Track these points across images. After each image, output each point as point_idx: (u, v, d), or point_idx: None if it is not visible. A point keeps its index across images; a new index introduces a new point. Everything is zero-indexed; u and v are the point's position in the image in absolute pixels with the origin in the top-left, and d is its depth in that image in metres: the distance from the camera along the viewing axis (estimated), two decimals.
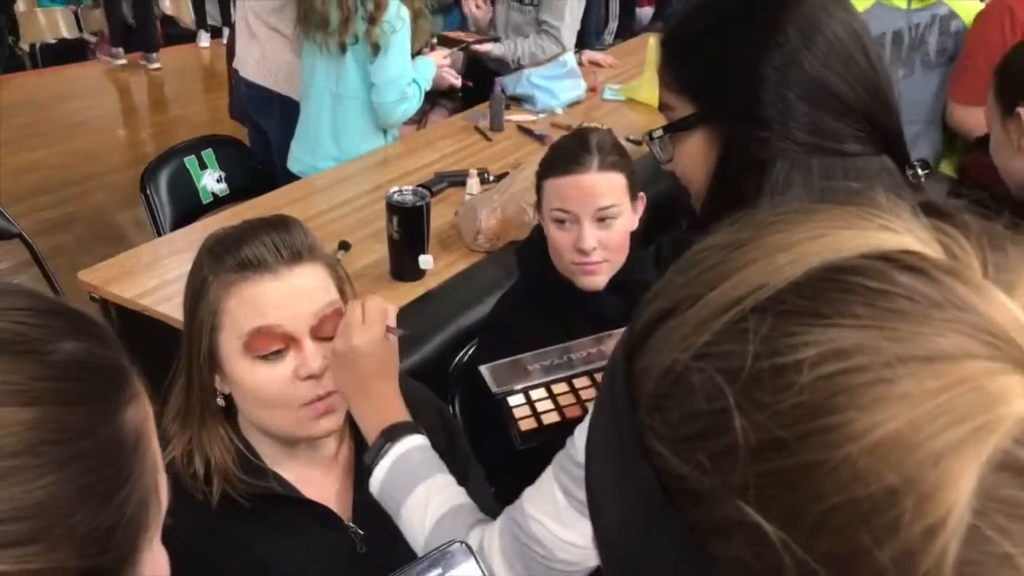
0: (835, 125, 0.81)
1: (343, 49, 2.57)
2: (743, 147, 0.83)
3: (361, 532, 1.11)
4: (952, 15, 2.62)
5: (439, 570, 0.63)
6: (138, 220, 4.55)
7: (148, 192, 2.58)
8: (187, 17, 7.84)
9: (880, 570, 0.28)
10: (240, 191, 2.74)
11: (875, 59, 0.83)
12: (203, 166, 2.72)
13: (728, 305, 0.33)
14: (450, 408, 1.68)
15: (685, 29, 0.91)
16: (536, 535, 0.89)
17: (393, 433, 1.00)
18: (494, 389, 1.37)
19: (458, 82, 3.10)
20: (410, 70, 2.67)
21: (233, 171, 2.78)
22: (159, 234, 2.49)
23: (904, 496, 0.28)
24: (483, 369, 1.40)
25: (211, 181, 2.72)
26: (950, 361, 0.29)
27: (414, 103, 2.74)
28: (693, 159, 0.88)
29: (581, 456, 0.44)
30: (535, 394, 1.38)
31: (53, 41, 7.08)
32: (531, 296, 1.63)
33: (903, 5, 2.63)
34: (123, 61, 6.72)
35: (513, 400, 1.38)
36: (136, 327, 1.94)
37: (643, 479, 0.34)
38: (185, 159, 2.69)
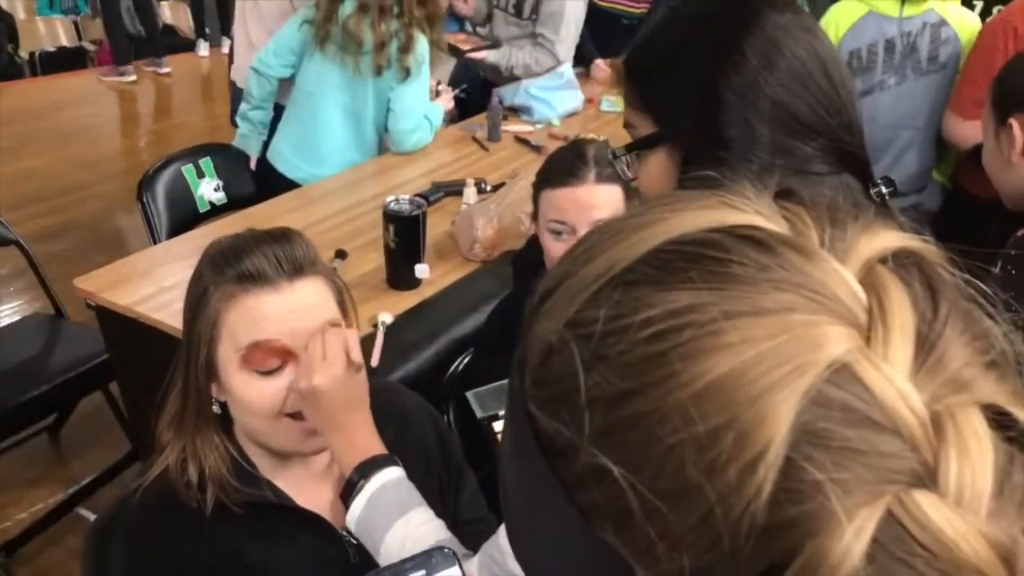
0: (796, 146, 0.80)
1: (379, 72, 2.63)
2: (701, 167, 0.82)
3: (354, 542, 1.10)
4: (943, 22, 2.64)
5: (423, 571, 0.64)
6: (134, 228, 4.54)
7: (145, 200, 2.57)
8: (186, 27, 7.87)
9: (710, 503, 0.30)
10: (238, 200, 2.74)
11: (837, 79, 0.82)
12: (200, 175, 2.71)
13: (591, 280, 0.37)
14: (445, 417, 1.68)
15: (646, 49, 0.90)
16: (514, 572, 0.88)
17: (365, 469, 0.99)
18: (479, 415, 1.37)
19: (450, 104, 3.17)
20: (426, 101, 2.78)
21: (232, 179, 2.78)
22: (155, 242, 2.49)
23: (726, 434, 0.30)
24: (470, 395, 1.39)
25: (208, 190, 2.72)
26: (773, 315, 0.32)
27: (427, 135, 2.84)
28: (656, 177, 0.87)
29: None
30: None
31: (52, 49, 7.10)
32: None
33: (895, 13, 2.65)
34: (133, 78, 6.69)
35: (499, 426, 1.38)
36: (132, 334, 1.94)
37: (527, 442, 0.38)
38: (183, 167, 2.68)
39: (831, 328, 0.31)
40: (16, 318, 3.26)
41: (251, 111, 2.83)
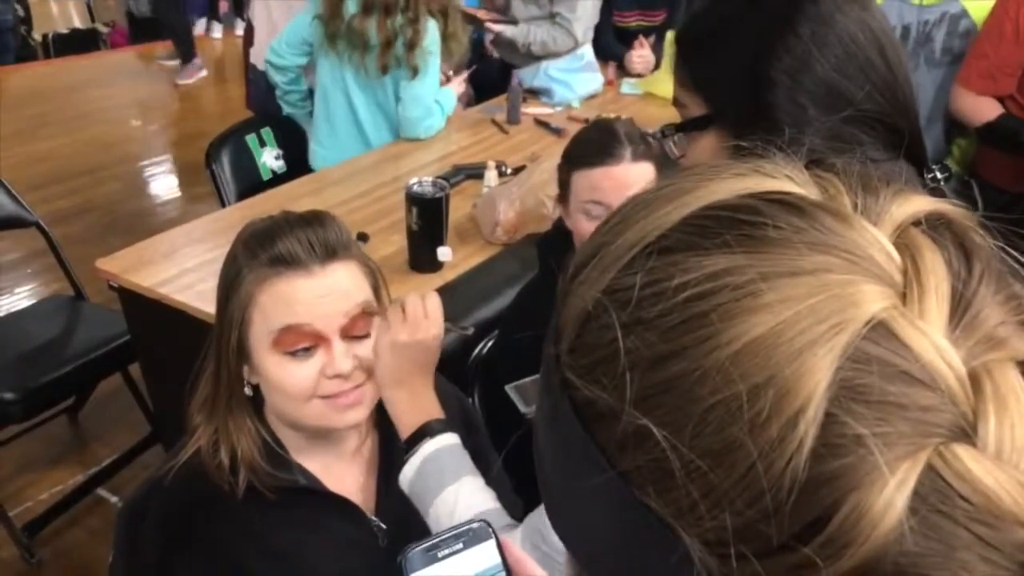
0: (849, 131, 0.77)
1: (385, 71, 2.61)
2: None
3: (384, 526, 1.10)
4: (963, 14, 2.61)
5: (460, 544, 0.64)
6: (150, 210, 4.56)
7: (213, 168, 2.65)
8: None
9: (751, 459, 0.31)
10: (299, 168, 2.79)
11: (893, 60, 0.79)
12: (262, 144, 2.78)
13: (627, 249, 0.37)
14: (470, 399, 1.67)
15: (697, 26, 0.87)
16: (556, 545, 0.88)
17: (425, 431, 1.01)
18: (523, 409, 1.35)
19: (461, 89, 3.15)
20: (436, 88, 2.75)
21: (292, 148, 2.85)
22: (224, 206, 2.58)
23: (767, 391, 0.31)
24: (509, 389, 1.38)
25: (270, 158, 2.78)
26: (810, 275, 0.32)
27: (438, 120, 2.81)
28: (705, 160, 0.85)
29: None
30: None
31: (65, 31, 7.10)
32: (552, 289, 1.62)
33: (916, 0, 2.62)
34: (203, 73, 6.57)
35: None
36: (154, 316, 1.94)
37: (564, 410, 0.38)
38: (246, 137, 2.75)
39: (868, 287, 0.32)
40: (32, 300, 3.27)
41: (285, 95, 2.87)
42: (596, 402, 0.36)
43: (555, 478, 0.41)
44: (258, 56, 3.04)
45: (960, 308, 0.32)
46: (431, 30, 2.61)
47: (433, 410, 1.03)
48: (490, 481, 1.25)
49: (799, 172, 0.37)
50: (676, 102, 0.87)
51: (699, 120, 0.84)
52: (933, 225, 0.35)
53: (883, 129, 0.78)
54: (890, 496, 0.29)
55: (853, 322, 0.31)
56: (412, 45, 2.57)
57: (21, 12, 6.47)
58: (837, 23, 0.77)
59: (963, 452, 0.29)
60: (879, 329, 0.31)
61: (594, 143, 1.51)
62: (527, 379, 1.38)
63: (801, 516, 0.30)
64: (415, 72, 2.61)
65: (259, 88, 3.12)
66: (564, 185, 1.56)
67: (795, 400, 0.30)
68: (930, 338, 0.31)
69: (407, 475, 0.99)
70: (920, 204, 0.35)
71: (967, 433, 0.30)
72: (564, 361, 0.38)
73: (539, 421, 0.43)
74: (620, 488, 0.35)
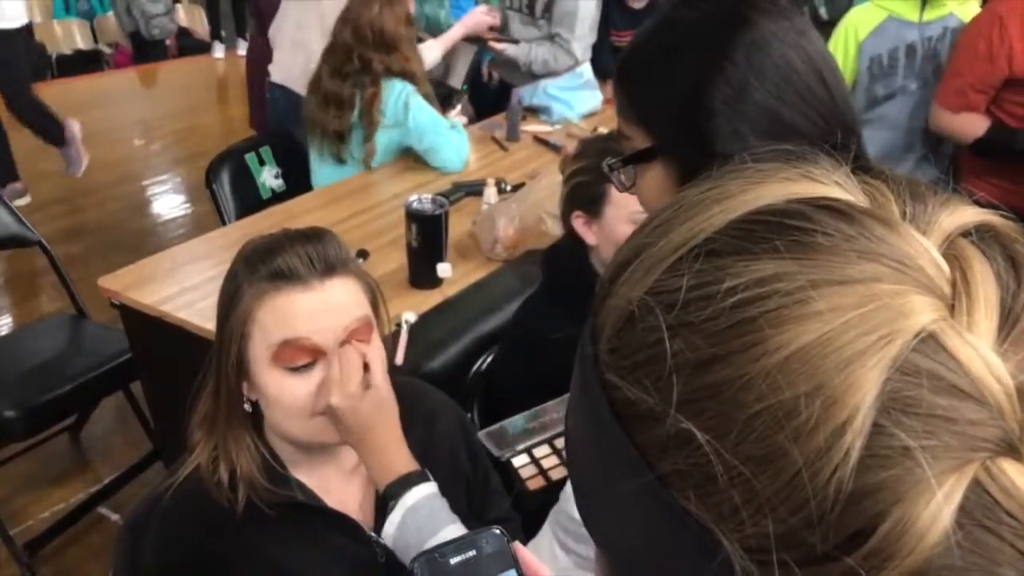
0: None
1: (342, 161, 2.65)
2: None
3: (382, 541, 1.10)
4: (963, 27, 2.63)
5: (473, 552, 0.63)
6: (152, 229, 4.58)
7: (214, 187, 2.68)
8: (201, 29, 7.91)
9: (796, 467, 0.30)
10: (298, 187, 2.80)
11: (832, 83, 0.78)
12: (262, 162, 2.79)
13: (672, 250, 0.37)
14: (469, 414, 1.68)
15: (635, 58, 0.85)
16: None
17: (395, 489, 0.99)
18: (495, 453, 1.35)
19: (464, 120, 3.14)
20: (438, 120, 2.71)
21: (290, 168, 2.87)
22: (224, 224, 2.59)
23: (814, 400, 0.30)
24: (482, 435, 1.38)
25: (269, 177, 2.80)
26: (859, 284, 0.32)
27: (458, 135, 2.77)
28: (654, 191, 0.83)
29: (576, 511, 0.46)
30: (539, 452, 1.37)
31: (69, 52, 7.15)
32: (557, 301, 1.62)
33: (915, 18, 2.64)
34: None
35: (517, 461, 1.37)
36: (155, 333, 1.94)
37: (602, 411, 0.37)
38: (246, 156, 2.77)
39: (917, 298, 0.31)
40: (34, 318, 3.28)
41: None
42: (637, 403, 0.35)
43: (589, 479, 0.41)
44: (278, 70, 3.00)
45: (1009, 321, 0.32)
46: (391, 96, 2.58)
47: (399, 465, 1.01)
48: (489, 497, 1.25)
49: (847, 178, 0.37)
50: (620, 134, 0.86)
51: (643, 153, 0.83)
52: (982, 236, 0.34)
53: (826, 152, 0.78)
54: (936, 509, 0.29)
55: (903, 333, 0.30)
56: (368, 137, 2.61)
57: None
58: (773, 50, 0.76)
59: (1010, 467, 0.29)
60: (928, 341, 0.31)
61: None
62: (498, 424, 1.38)
63: (845, 526, 0.30)
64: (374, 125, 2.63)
65: (277, 106, 3.05)
66: (598, 199, 1.54)
67: (842, 410, 0.30)
68: (979, 352, 0.30)
69: (388, 532, 0.99)
70: (968, 215, 0.35)
71: (1014, 448, 0.30)
72: (604, 361, 0.38)
73: (573, 422, 0.42)
74: (659, 491, 0.34)
